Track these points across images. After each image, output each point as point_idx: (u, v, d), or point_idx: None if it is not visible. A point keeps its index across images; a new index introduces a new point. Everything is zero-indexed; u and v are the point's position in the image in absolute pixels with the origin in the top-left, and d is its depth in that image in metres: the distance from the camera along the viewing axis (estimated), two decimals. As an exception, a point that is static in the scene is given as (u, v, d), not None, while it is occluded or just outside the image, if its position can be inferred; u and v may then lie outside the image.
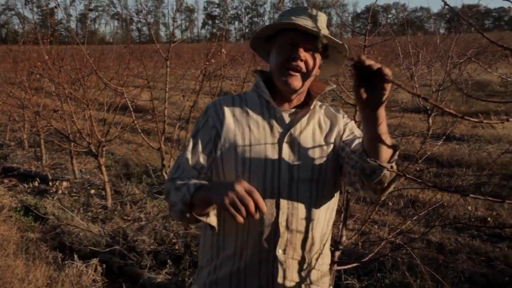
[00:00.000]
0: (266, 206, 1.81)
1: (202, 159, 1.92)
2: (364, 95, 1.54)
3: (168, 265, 4.77)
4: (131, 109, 5.31)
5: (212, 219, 1.80)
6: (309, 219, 1.90)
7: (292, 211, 1.87)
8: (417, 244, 5.12)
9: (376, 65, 1.46)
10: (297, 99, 1.99)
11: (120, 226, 5.69)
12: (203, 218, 1.77)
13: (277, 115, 1.94)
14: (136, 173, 8.10)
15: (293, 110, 1.97)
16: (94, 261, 4.71)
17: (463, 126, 11.42)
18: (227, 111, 1.95)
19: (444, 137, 7.16)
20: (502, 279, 4.61)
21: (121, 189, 7.39)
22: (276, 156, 1.88)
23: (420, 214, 3.99)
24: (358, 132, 1.99)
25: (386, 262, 4.71)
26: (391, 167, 1.73)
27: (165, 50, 5.00)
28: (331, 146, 1.95)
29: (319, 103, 2.06)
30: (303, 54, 1.88)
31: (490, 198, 1.50)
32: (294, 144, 1.90)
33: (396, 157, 1.76)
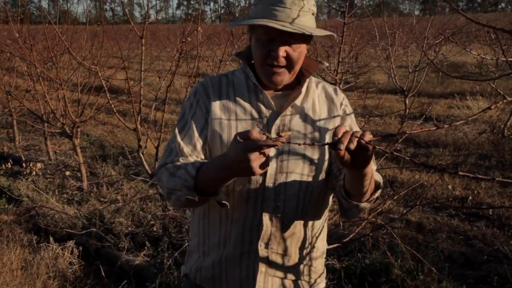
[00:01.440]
0: (251, 198, 1.76)
1: (198, 142, 1.79)
2: (349, 162, 1.50)
3: (146, 247, 4.71)
4: (106, 89, 5.20)
5: (222, 197, 1.67)
6: (297, 211, 1.80)
7: (278, 203, 1.76)
8: (397, 224, 5.13)
9: (353, 143, 1.41)
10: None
11: (97, 208, 5.60)
12: (212, 198, 1.65)
13: (264, 100, 1.80)
14: (112, 155, 7.98)
15: (281, 93, 1.83)
16: (70, 243, 4.64)
17: (439, 107, 11.51)
18: (215, 95, 1.82)
19: (422, 119, 7.18)
20: (481, 257, 4.65)
21: (97, 170, 7.28)
22: None
23: (400, 194, 3.98)
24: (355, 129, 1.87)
25: (366, 242, 4.70)
26: (371, 201, 1.73)
27: (140, 30, 4.88)
28: (325, 134, 1.81)
29: (315, 81, 1.92)
30: (282, 50, 1.69)
31: (480, 176, 1.47)
32: (284, 131, 1.76)
33: (377, 194, 1.74)
